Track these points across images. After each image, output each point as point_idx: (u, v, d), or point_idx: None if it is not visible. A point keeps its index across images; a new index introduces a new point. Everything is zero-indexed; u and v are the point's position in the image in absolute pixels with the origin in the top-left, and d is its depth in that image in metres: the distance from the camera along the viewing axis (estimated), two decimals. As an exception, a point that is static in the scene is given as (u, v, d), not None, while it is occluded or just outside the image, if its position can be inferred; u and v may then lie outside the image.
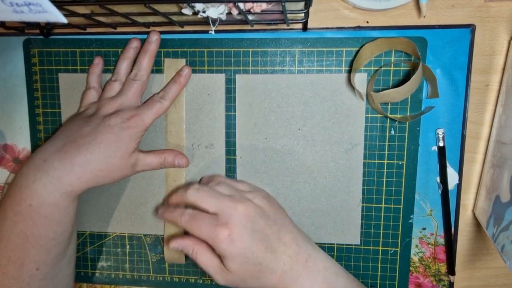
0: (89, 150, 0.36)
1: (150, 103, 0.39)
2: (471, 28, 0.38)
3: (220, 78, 0.41)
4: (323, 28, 0.40)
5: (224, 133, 0.42)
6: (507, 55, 0.38)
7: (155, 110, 0.39)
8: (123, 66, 0.41)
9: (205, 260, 0.36)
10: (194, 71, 0.42)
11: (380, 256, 0.42)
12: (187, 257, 0.44)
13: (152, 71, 0.42)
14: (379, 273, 0.42)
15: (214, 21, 0.35)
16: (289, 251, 0.36)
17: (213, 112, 0.42)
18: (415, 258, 0.42)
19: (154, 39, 0.40)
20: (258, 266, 0.34)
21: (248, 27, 0.40)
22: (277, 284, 0.35)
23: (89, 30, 0.42)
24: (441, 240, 0.41)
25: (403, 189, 0.41)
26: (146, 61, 0.40)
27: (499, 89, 0.39)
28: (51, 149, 0.36)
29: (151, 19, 0.39)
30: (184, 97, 0.42)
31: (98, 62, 0.42)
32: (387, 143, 0.40)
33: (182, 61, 0.41)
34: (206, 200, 0.36)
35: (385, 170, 0.41)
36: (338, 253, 0.43)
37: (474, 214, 0.41)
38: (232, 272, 0.34)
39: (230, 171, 0.43)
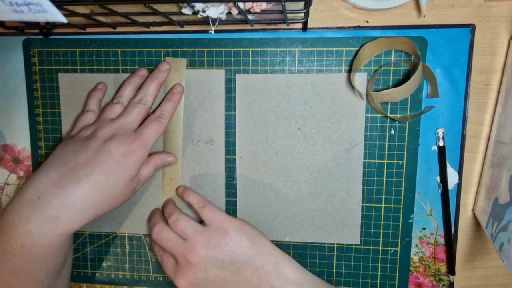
0: (89, 183, 0.33)
1: (149, 124, 0.38)
2: (471, 27, 0.38)
3: (220, 73, 0.41)
4: (323, 28, 0.40)
5: (223, 128, 0.42)
6: (507, 54, 0.38)
7: (155, 130, 0.37)
8: (127, 90, 0.40)
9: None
10: (194, 69, 0.42)
11: (380, 256, 0.42)
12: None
13: (152, 71, 0.42)
14: (379, 273, 0.42)
15: (214, 20, 0.35)
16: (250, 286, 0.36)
17: (213, 108, 0.42)
18: (415, 258, 0.42)
19: (165, 68, 0.40)
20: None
21: (248, 27, 0.40)
22: None
23: (89, 30, 0.42)
24: (441, 240, 0.41)
25: (403, 189, 0.41)
26: (153, 87, 0.39)
27: (499, 89, 0.39)
28: (45, 182, 0.33)
29: (151, 19, 0.39)
30: (183, 97, 0.42)
31: (102, 88, 0.41)
32: (387, 143, 0.40)
33: (183, 61, 0.41)
34: (164, 244, 0.38)
35: (385, 170, 0.41)
36: (338, 253, 0.43)
37: (474, 213, 0.41)
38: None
39: (230, 171, 0.43)
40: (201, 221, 0.39)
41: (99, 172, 0.33)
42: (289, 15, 0.36)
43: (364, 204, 0.42)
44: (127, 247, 0.45)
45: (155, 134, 0.38)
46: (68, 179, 0.33)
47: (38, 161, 0.45)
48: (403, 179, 0.41)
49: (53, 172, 0.33)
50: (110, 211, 0.36)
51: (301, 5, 0.35)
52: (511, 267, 0.32)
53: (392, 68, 0.39)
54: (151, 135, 0.37)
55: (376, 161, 0.41)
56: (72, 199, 0.32)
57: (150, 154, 0.40)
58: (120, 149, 0.35)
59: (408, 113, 0.40)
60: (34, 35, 0.43)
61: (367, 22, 0.39)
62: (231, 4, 0.34)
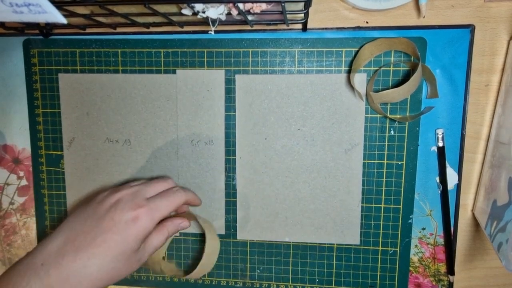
0: (87, 254, 0.31)
1: (164, 194, 0.36)
2: (470, 28, 0.38)
3: (220, 74, 0.41)
4: (322, 29, 0.40)
5: (223, 129, 0.42)
6: (506, 55, 0.38)
7: (168, 202, 0.35)
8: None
9: None
10: (194, 70, 0.42)
11: (379, 256, 0.42)
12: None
13: (161, 72, 0.42)
14: (378, 273, 0.42)
15: (213, 21, 0.35)
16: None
17: (212, 109, 0.42)
18: (414, 258, 0.42)
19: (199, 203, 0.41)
20: None
21: (247, 27, 0.40)
22: None
23: (88, 30, 0.42)
24: (441, 240, 0.41)
25: (402, 189, 0.41)
26: (188, 195, 0.38)
27: (499, 89, 0.39)
28: (51, 248, 0.32)
29: (151, 19, 0.39)
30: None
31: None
32: (386, 143, 0.40)
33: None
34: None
35: (384, 170, 0.41)
36: (338, 253, 0.43)
37: (473, 214, 0.41)
38: None
39: (230, 171, 0.43)
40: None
41: (97, 244, 0.31)
42: (288, 16, 0.36)
43: (364, 205, 0.42)
44: (127, 247, 0.45)
45: (166, 207, 0.35)
46: (70, 248, 0.31)
47: (38, 161, 0.45)
48: (403, 180, 0.41)
49: (59, 238, 0.32)
50: (110, 284, 0.32)
51: (300, 5, 0.35)
52: (510, 267, 0.32)
53: (391, 68, 0.39)
54: (161, 206, 0.34)
55: (376, 161, 0.41)
56: (66, 272, 0.30)
57: (163, 220, 0.37)
58: (124, 216, 0.32)
59: (407, 114, 0.40)
60: (34, 35, 0.43)
61: (367, 22, 0.39)
62: (231, 4, 0.34)
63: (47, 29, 0.42)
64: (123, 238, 0.32)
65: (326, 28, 0.40)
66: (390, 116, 0.40)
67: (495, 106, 0.39)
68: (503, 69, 0.38)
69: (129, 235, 0.32)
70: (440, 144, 0.39)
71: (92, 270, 0.31)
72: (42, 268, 0.30)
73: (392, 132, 0.40)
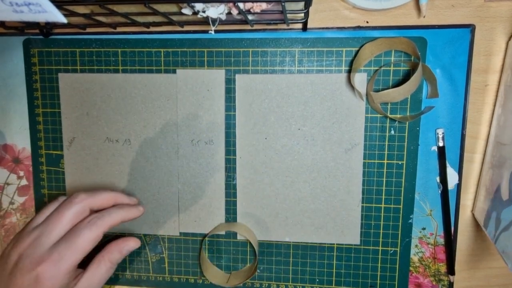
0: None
1: (69, 234, 0.29)
2: (470, 28, 0.38)
3: (220, 74, 0.41)
4: (323, 28, 0.40)
5: (223, 129, 0.42)
6: (505, 55, 0.38)
7: (78, 243, 0.29)
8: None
9: None
10: (194, 69, 0.42)
11: (380, 256, 0.42)
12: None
13: (161, 71, 0.42)
14: (379, 273, 0.42)
15: (214, 21, 0.35)
16: None
17: (212, 108, 0.42)
18: (415, 258, 0.42)
19: (138, 214, 0.35)
20: None
21: (248, 27, 0.40)
22: None
23: (89, 30, 0.42)
24: (441, 240, 0.41)
25: (403, 189, 0.41)
26: (115, 215, 0.32)
27: (498, 89, 0.39)
28: None
29: (151, 19, 0.39)
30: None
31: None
32: (387, 143, 0.40)
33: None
34: None
35: (385, 170, 0.41)
36: (338, 253, 0.43)
37: (473, 214, 0.41)
38: None
39: (230, 171, 0.43)
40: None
41: None
42: (289, 15, 0.36)
43: (364, 204, 0.42)
44: (127, 247, 0.45)
45: (73, 253, 0.29)
46: None
47: (38, 161, 0.45)
48: (403, 179, 0.41)
49: None
50: None
51: (301, 5, 0.35)
52: None
53: (392, 68, 0.39)
54: (66, 254, 0.29)
55: (376, 161, 0.41)
56: None
57: (103, 249, 0.33)
58: (25, 280, 0.28)
59: (408, 114, 0.40)
60: (34, 35, 0.43)
61: (367, 22, 0.39)
62: (231, 4, 0.34)
63: (47, 28, 0.42)
64: None
65: (326, 28, 0.40)
66: (390, 116, 0.40)
67: (495, 106, 0.39)
68: (502, 69, 0.38)
69: None
70: (441, 144, 0.39)
71: None
72: None
73: (393, 132, 0.40)
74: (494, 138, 0.38)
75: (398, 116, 0.40)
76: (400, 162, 0.41)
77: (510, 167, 0.34)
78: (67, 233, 0.30)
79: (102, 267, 0.32)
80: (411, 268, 0.42)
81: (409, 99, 0.39)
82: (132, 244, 0.34)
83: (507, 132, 0.35)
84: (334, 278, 0.43)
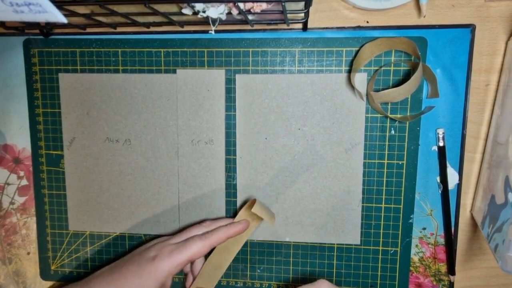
0: (107, 282, 0.36)
1: (191, 239, 0.37)
2: (471, 28, 0.38)
3: (220, 74, 0.41)
4: (323, 28, 0.40)
5: (224, 129, 0.42)
6: (504, 55, 0.38)
7: (192, 247, 0.36)
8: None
9: None
10: (194, 69, 0.42)
11: (380, 256, 0.42)
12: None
13: (161, 71, 0.42)
14: (379, 273, 0.42)
15: (214, 21, 0.35)
16: None
17: (213, 108, 0.42)
18: (415, 258, 0.42)
19: (243, 229, 0.40)
20: None
21: (248, 27, 0.40)
22: None
23: (89, 30, 0.42)
24: (441, 240, 0.41)
25: (403, 189, 0.41)
26: (220, 234, 0.38)
27: (497, 89, 0.39)
28: (96, 275, 0.38)
29: (151, 19, 0.39)
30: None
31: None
32: (387, 143, 0.40)
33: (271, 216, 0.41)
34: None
35: (385, 170, 0.41)
36: (338, 253, 0.43)
37: (471, 214, 0.41)
38: None
39: (230, 171, 0.43)
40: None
41: (118, 275, 0.36)
42: (289, 15, 0.36)
43: (364, 204, 0.42)
44: (127, 247, 0.45)
45: (188, 251, 0.36)
46: (99, 278, 0.37)
47: (38, 161, 0.45)
48: (403, 179, 0.41)
49: (107, 269, 0.39)
50: None
51: (301, 5, 0.35)
52: (506, 268, 0.32)
53: (392, 68, 0.39)
54: (183, 250, 0.36)
55: (376, 161, 0.41)
56: None
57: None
58: (150, 255, 0.36)
59: (408, 113, 0.40)
60: (34, 35, 0.43)
61: (367, 22, 0.39)
62: (231, 4, 0.34)
63: (47, 28, 0.42)
64: (140, 271, 0.35)
65: (326, 28, 0.40)
66: (390, 115, 0.39)
67: (494, 106, 0.39)
68: (501, 69, 0.38)
69: (147, 270, 0.35)
70: (441, 144, 0.39)
71: None
72: None
73: (393, 132, 0.40)
74: (492, 137, 0.38)
75: (399, 116, 0.40)
76: (400, 162, 0.41)
77: (505, 168, 0.34)
78: (186, 239, 0.38)
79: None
80: (411, 268, 0.42)
81: (409, 99, 0.39)
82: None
83: (504, 132, 0.35)
84: (334, 278, 0.43)
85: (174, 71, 0.42)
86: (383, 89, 0.39)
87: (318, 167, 0.41)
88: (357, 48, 0.39)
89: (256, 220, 0.41)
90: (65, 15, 0.31)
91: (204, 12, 0.34)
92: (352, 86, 0.39)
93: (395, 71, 0.39)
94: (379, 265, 0.42)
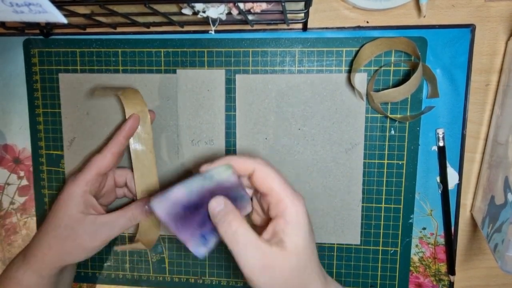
0: (43, 224, 0.37)
1: (90, 159, 0.38)
2: (471, 28, 0.38)
3: (220, 74, 0.41)
4: (323, 28, 0.40)
5: (224, 129, 0.42)
6: (504, 55, 0.38)
7: (93, 164, 0.37)
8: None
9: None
10: (194, 69, 0.42)
11: (380, 256, 0.42)
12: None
13: (161, 72, 0.42)
14: (379, 273, 0.42)
15: (214, 21, 0.35)
16: (319, 278, 0.31)
17: (213, 108, 0.42)
18: (415, 258, 0.42)
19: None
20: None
21: (248, 27, 0.40)
22: None
23: (89, 30, 0.42)
24: (441, 240, 0.41)
25: (403, 189, 0.41)
26: (116, 137, 0.38)
27: (497, 89, 0.39)
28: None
29: (151, 19, 0.39)
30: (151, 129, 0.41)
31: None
32: (387, 143, 0.40)
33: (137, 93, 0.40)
34: (273, 178, 0.29)
35: (385, 170, 0.41)
36: (338, 253, 0.43)
37: (471, 214, 0.41)
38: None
39: (230, 171, 0.43)
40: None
41: (50, 212, 0.38)
42: (289, 15, 0.36)
43: (364, 204, 0.42)
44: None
45: (89, 165, 0.37)
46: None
47: (38, 161, 0.45)
48: (403, 179, 0.41)
49: None
50: (72, 259, 0.37)
51: (301, 5, 0.35)
52: (505, 268, 0.32)
53: (392, 68, 0.39)
54: (84, 168, 0.37)
55: (376, 161, 0.41)
56: (33, 241, 0.38)
57: (130, 204, 0.39)
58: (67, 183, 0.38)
59: (408, 113, 0.40)
60: (34, 35, 0.43)
61: (367, 22, 0.39)
62: (231, 4, 0.34)
63: (47, 29, 0.42)
64: (62, 199, 0.37)
65: (326, 28, 0.40)
66: (390, 115, 0.39)
67: (494, 106, 0.39)
68: (501, 69, 0.38)
69: (65, 195, 0.37)
70: (441, 144, 0.39)
71: (43, 236, 0.37)
72: None
73: (393, 132, 0.40)
74: (492, 137, 0.38)
75: (398, 116, 0.40)
76: (400, 162, 0.41)
77: (505, 168, 0.34)
78: None
79: (123, 219, 0.38)
80: (411, 268, 0.42)
81: (409, 99, 0.39)
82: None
83: (504, 132, 0.35)
84: (334, 278, 0.43)
85: (174, 71, 0.42)
86: (383, 89, 0.39)
87: (318, 167, 0.41)
88: (357, 48, 0.39)
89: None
90: (65, 15, 0.31)
91: (204, 12, 0.34)
92: (352, 86, 0.39)
93: (395, 71, 0.39)
94: (379, 265, 0.42)
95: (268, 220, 0.31)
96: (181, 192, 0.29)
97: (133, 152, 0.40)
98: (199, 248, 0.29)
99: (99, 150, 0.38)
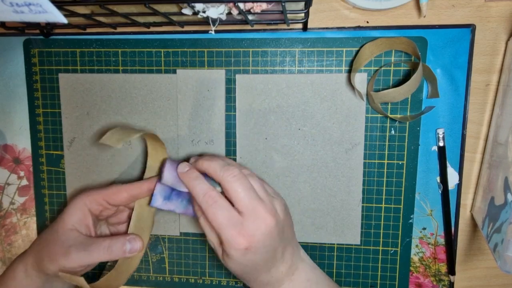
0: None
1: (114, 184, 0.38)
2: (471, 28, 0.38)
3: (220, 74, 0.41)
4: (323, 28, 0.40)
5: (224, 129, 0.42)
6: (504, 55, 0.38)
7: (109, 190, 0.37)
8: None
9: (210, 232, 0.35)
10: (194, 69, 0.42)
11: (380, 256, 0.42)
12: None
13: (161, 72, 0.42)
14: (379, 273, 0.42)
15: (214, 21, 0.35)
16: (284, 266, 0.35)
17: (213, 108, 0.42)
18: (415, 258, 0.42)
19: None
20: (254, 275, 0.34)
21: (248, 27, 0.40)
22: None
23: (89, 30, 0.42)
24: (441, 240, 0.41)
25: (403, 189, 0.41)
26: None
27: (497, 89, 0.39)
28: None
29: (151, 19, 0.39)
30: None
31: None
32: (387, 143, 0.40)
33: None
34: (240, 191, 0.32)
35: (385, 170, 0.41)
36: (338, 253, 0.43)
37: (471, 214, 0.41)
38: (228, 265, 0.34)
39: (230, 171, 0.43)
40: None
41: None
42: (289, 16, 0.36)
43: (364, 204, 0.42)
44: (128, 247, 0.45)
45: (106, 190, 0.38)
46: None
47: (38, 161, 0.45)
48: (403, 179, 0.41)
49: None
50: (48, 267, 0.35)
51: (301, 5, 0.35)
52: (505, 268, 0.32)
53: (392, 68, 0.39)
54: (104, 188, 0.38)
55: (376, 161, 0.41)
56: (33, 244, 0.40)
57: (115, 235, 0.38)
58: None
59: (408, 113, 0.40)
60: (34, 35, 0.43)
61: (367, 22, 0.39)
62: (231, 4, 0.34)
63: (47, 29, 0.42)
64: (64, 211, 0.38)
65: (326, 28, 0.40)
66: (390, 115, 0.39)
67: (494, 106, 0.39)
68: (501, 69, 0.38)
69: (67, 209, 0.38)
70: (441, 144, 0.39)
71: (37, 240, 0.39)
72: None
73: (393, 132, 0.40)
74: (492, 137, 0.38)
75: (399, 116, 0.40)
76: (400, 162, 0.41)
77: (505, 168, 0.34)
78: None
79: (98, 252, 0.35)
80: (411, 268, 0.42)
81: (409, 99, 0.39)
82: (139, 245, 0.37)
83: (504, 132, 0.35)
84: (334, 278, 0.43)
85: (174, 71, 0.42)
86: (383, 89, 0.39)
87: (318, 167, 0.41)
88: (357, 48, 0.39)
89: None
90: (65, 15, 0.31)
91: (204, 12, 0.34)
92: (352, 86, 0.39)
93: (395, 71, 0.39)
94: (379, 265, 0.42)
95: None
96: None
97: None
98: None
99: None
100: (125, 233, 0.39)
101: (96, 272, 0.46)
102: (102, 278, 0.37)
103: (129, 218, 0.40)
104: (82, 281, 0.35)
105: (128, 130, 0.36)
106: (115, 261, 0.38)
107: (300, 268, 0.37)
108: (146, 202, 0.39)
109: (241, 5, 0.34)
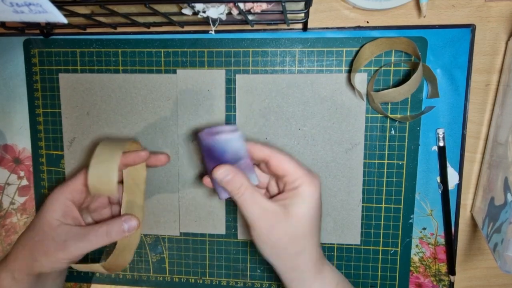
0: (28, 225, 0.38)
1: (82, 169, 0.37)
2: (471, 28, 0.38)
3: (220, 74, 0.41)
4: (323, 28, 0.40)
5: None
6: (504, 55, 0.38)
7: (82, 174, 0.37)
8: None
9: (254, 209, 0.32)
10: (194, 69, 0.42)
11: (380, 256, 0.42)
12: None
13: (161, 72, 0.42)
14: (379, 273, 0.42)
15: (214, 21, 0.35)
16: (316, 252, 0.34)
17: (213, 108, 0.42)
18: (415, 258, 0.42)
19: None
20: (295, 255, 0.32)
21: (248, 27, 0.40)
22: (292, 280, 0.33)
23: (89, 30, 0.42)
24: (442, 240, 0.41)
25: (403, 189, 0.41)
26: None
27: (497, 89, 0.39)
28: None
29: (151, 19, 0.39)
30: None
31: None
32: (387, 143, 0.40)
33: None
34: (288, 162, 0.32)
35: (385, 170, 0.41)
36: (338, 253, 0.43)
37: (471, 214, 0.41)
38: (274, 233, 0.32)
39: (230, 171, 0.43)
40: None
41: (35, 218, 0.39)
42: (289, 16, 0.36)
43: (364, 204, 0.42)
44: (128, 247, 0.45)
45: (79, 176, 0.37)
46: None
47: (38, 161, 0.45)
48: (403, 179, 0.41)
49: None
50: (42, 267, 0.35)
51: (301, 5, 0.35)
52: (505, 268, 0.32)
53: (392, 68, 0.39)
54: (75, 176, 0.38)
55: (376, 161, 0.41)
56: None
57: (109, 219, 0.38)
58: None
59: (408, 113, 0.40)
60: (34, 35, 0.43)
61: (367, 22, 0.39)
62: (231, 4, 0.34)
63: (47, 29, 0.42)
64: (44, 204, 0.38)
65: (326, 28, 0.40)
66: (390, 115, 0.39)
67: (494, 106, 0.39)
68: (501, 69, 0.38)
69: (48, 200, 0.37)
70: (441, 144, 0.39)
71: (21, 239, 0.38)
72: None
73: (393, 132, 0.40)
74: (492, 137, 0.38)
75: (399, 116, 0.40)
76: (400, 162, 0.41)
77: (505, 168, 0.34)
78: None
79: (97, 236, 0.36)
80: (411, 268, 0.42)
81: (409, 99, 0.39)
82: (135, 223, 0.38)
83: (504, 132, 0.35)
84: (334, 278, 0.43)
85: (174, 71, 0.42)
86: (383, 89, 0.39)
87: (318, 167, 0.41)
88: (357, 48, 0.39)
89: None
90: (65, 15, 0.31)
91: (204, 12, 0.34)
92: (352, 86, 0.39)
93: (395, 71, 0.39)
94: (379, 265, 0.42)
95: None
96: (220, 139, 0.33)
97: (126, 171, 0.40)
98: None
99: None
100: (114, 216, 0.40)
101: (90, 257, 0.46)
102: (109, 258, 0.38)
103: (110, 202, 0.41)
104: (98, 267, 0.37)
105: (106, 164, 0.35)
106: (113, 244, 0.39)
107: (328, 269, 0.36)
108: (133, 183, 0.40)
109: (241, 5, 0.34)
